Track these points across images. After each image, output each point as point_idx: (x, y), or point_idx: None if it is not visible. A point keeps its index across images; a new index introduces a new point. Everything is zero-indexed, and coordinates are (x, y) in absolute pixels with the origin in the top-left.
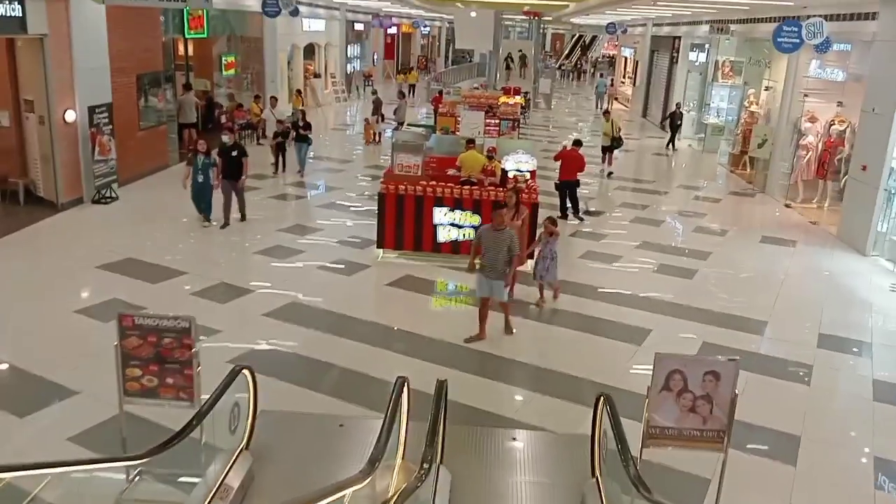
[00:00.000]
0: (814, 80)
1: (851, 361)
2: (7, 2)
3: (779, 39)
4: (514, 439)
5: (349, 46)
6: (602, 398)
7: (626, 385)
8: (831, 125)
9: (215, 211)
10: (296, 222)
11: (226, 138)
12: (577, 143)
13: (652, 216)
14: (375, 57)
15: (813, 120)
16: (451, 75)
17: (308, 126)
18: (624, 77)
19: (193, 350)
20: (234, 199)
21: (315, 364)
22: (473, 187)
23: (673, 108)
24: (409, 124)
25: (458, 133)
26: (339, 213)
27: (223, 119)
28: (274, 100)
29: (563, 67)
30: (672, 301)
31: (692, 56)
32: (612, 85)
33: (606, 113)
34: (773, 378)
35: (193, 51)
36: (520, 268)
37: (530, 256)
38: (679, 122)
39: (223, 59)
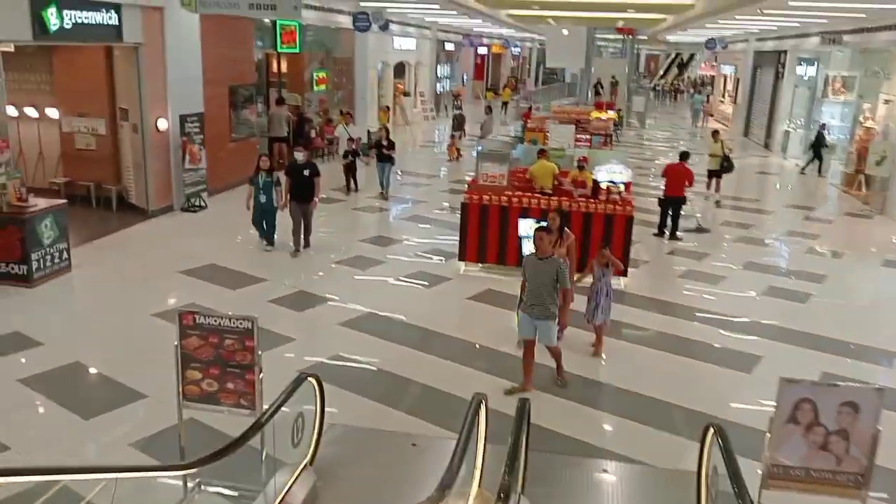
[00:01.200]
0: None
1: None
2: (104, 10)
3: None
4: (605, 471)
5: (439, 66)
6: (713, 429)
7: (735, 417)
8: None
9: (281, 235)
10: (378, 234)
11: (300, 156)
12: (684, 155)
13: (757, 236)
14: (465, 77)
15: None
16: (541, 95)
17: (392, 145)
18: (723, 96)
19: (256, 353)
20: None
21: (391, 378)
22: (563, 198)
23: (816, 128)
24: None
25: (546, 144)
26: (420, 226)
27: (313, 134)
28: (348, 116)
29: (657, 88)
30: (784, 326)
31: (800, 70)
32: (708, 101)
33: (715, 133)
34: None
35: (287, 66)
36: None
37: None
38: (825, 144)
39: (315, 74)
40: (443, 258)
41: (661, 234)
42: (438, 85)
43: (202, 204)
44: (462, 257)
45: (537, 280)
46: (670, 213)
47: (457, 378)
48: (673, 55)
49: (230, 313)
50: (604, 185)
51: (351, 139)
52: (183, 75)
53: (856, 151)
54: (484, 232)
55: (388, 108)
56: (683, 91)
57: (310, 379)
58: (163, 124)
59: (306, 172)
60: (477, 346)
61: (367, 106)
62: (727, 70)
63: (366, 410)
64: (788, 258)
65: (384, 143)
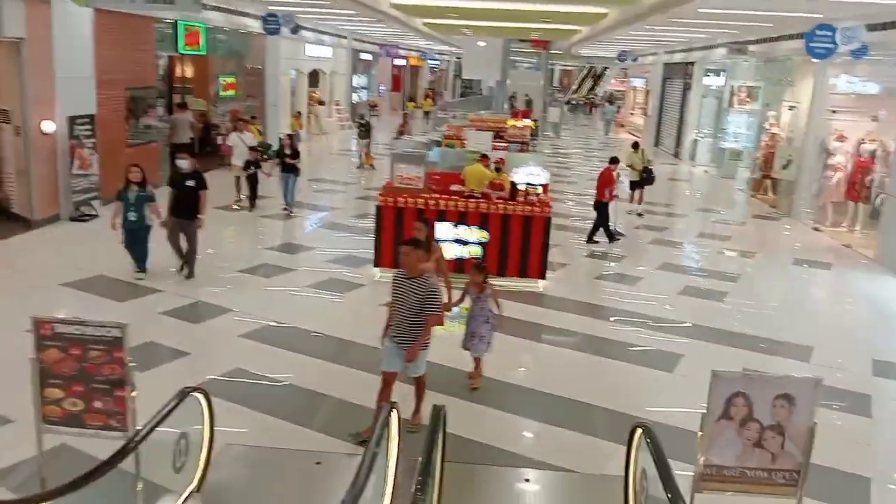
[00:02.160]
0: (842, 98)
1: None
2: None
3: (812, 44)
4: (527, 480)
5: (355, 76)
6: (640, 430)
7: (660, 418)
8: (861, 144)
9: (158, 256)
10: (286, 241)
11: (184, 163)
12: (613, 160)
13: (671, 238)
14: (382, 88)
15: (842, 139)
16: (459, 107)
17: (296, 154)
18: (633, 108)
19: (126, 366)
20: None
21: (302, 393)
22: (480, 200)
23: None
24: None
25: (465, 146)
26: (334, 234)
27: (219, 141)
28: (243, 122)
29: (572, 102)
30: (702, 325)
31: (707, 81)
32: (619, 112)
33: (636, 145)
34: (829, 410)
35: (193, 71)
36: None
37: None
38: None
39: (222, 79)
40: (355, 265)
41: (589, 240)
42: (355, 95)
43: (93, 213)
44: (377, 263)
45: (405, 303)
46: (597, 216)
47: (375, 390)
48: (587, 69)
49: (95, 320)
50: (522, 188)
51: (253, 148)
52: (73, 74)
53: (762, 157)
54: (399, 236)
55: (298, 113)
56: (598, 105)
57: (195, 394)
58: (49, 126)
59: (191, 183)
60: None
61: (279, 113)
62: (638, 82)
63: (275, 430)
64: (703, 259)
65: (287, 151)
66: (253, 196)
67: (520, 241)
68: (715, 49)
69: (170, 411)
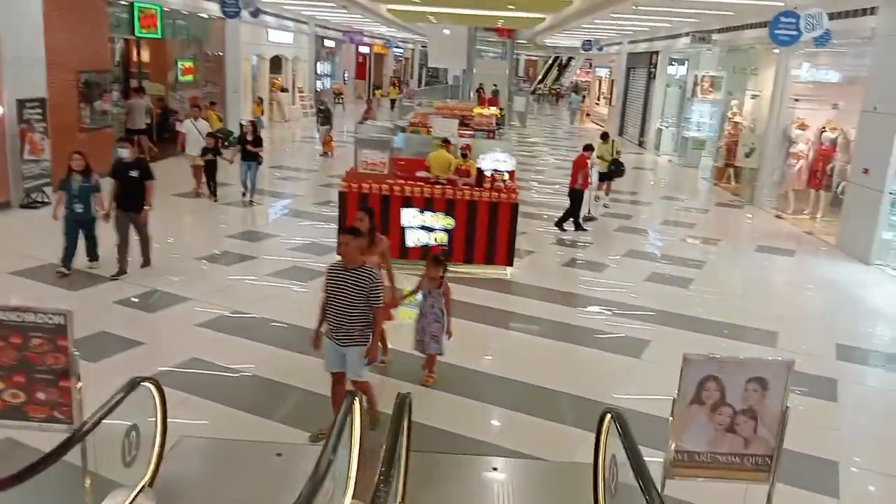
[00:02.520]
0: (804, 86)
1: (877, 374)
2: None
3: (776, 31)
4: (495, 469)
5: (319, 63)
6: (609, 416)
7: (628, 403)
8: (823, 132)
9: (105, 250)
10: (248, 229)
11: (124, 152)
12: (587, 147)
13: (636, 225)
14: (346, 75)
15: (804, 127)
16: (424, 95)
17: (258, 141)
18: (598, 98)
19: (72, 355)
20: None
21: (264, 384)
22: (446, 186)
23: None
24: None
25: (431, 134)
26: (298, 222)
27: (178, 127)
28: (197, 108)
29: (537, 91)
30: (669, 311)
31: (671, 70)
32: (583, 101)
33: (605, 135)
34: (795, 395)
35: (149, 55)
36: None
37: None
38: None
39: (180, 63)
40: (318, 253)
41: (576, 226)
42: (318, 82)
43: (45, 199)
44: (339, 251)
45: (345, 297)
46: (570, 204)
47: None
48: (552, 59)
49: (37, 306)
50: (488, 174)
51: (210, 135)
52: (20, 55)
53: (725, 146)
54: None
55: (260, 99)
56: (564, 95)
57: (146, 384)
58: None
59: (134, 174)
60: None
61: (239, 99)
62: (602, 72)
63: (235, 421)
64: (668, 246)
65: (248, 138)
66: (212, 184)
67: (486, 227)
68: (679, 38)
69: (118, 402)
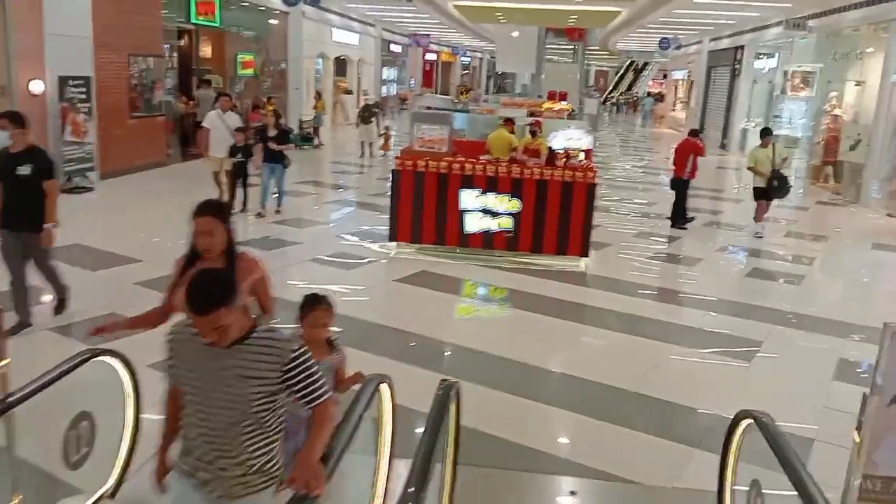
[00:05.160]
0: None
1: None
2: None
3: None
4: (573, 493)
5: (385, 68)
6: (750, 421)
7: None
8: None
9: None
10: (297, 216)
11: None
12: (694, 132)
13: (730, 221)
14: (413, 82)
15: None
16: (493, 102)
17: (283, 136)
18: (675, 105)
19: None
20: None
21: None
22: (513, 164)
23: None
24: None
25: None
26: (345, 209)
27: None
28: (225, 99)
29: (609, 101)
30: (780, 309)
31: (758, 64)
32: (657, 103)
33: (766, 132)
34: None
35: (210, 45)
36: None
37: None
38: None
39: (240, 56)
40: (370, 240)
41: (673, 222)
42: (384, 87)
43: (87, 185)
44: (393, 237)
45: (213, 402)
46: (675, 197)
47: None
48: (627, 63)
49: None
50: (560, 151)
51: (240, 129)
52: (65, 31)
53: (823, 142)
54: (419, 205)
55: (319, 94)
56: (639, 102)
57: (107, 359)
58: (37, 87)
59: (24, 171)
60: (401, 330)
61: (301, 97)
62: (679, 75)
63: None
64: (767, 241)
65: (270, 133)
66: (243, 194)
67: (558, 212)
68: (768, 29)
69: (59, 375)
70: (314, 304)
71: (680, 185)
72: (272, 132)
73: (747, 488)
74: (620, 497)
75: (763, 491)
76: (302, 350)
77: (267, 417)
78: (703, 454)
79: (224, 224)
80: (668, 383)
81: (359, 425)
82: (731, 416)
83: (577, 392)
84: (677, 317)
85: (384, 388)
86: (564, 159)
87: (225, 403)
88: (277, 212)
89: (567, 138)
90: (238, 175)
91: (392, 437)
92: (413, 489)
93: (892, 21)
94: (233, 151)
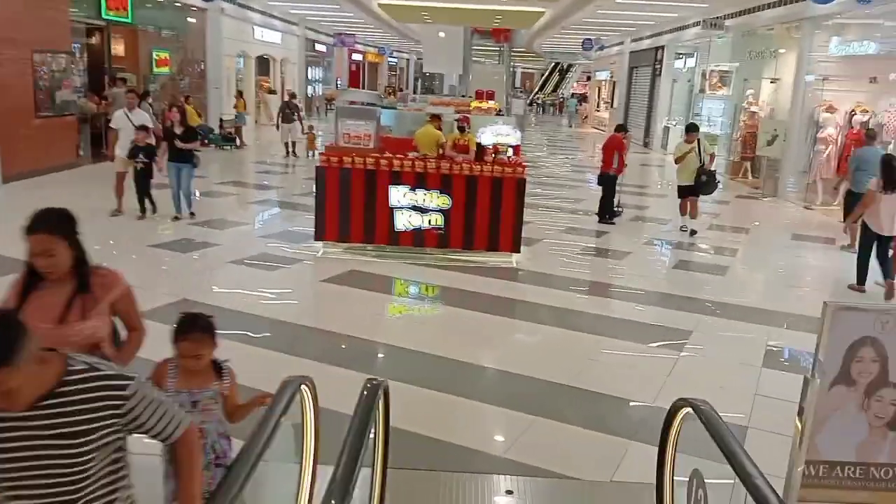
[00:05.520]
0: (834, 64)
1: None
2: None
3: None
4: (509, 492)
5: (310, 68)
6: (687, 409)
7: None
8: (852, 115)
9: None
10: (214, 217)
11: None
12: (620, 127)
13: (655, 216)
14: (339, 82)
15: (831, 110)
16: (420, 103)
17: (190, 134)
18: (598, 105)
19: None
20: None
21: None
22: (442, 160)
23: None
24: None
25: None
26: (268, 210)
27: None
28: (131, 95)
29: (536, 102)
30: (707, 299)
31: (678, 64)
32: (580, 104)
33: (691, 128)
34: None
35: (122, 43)
36: None
37: None
38: None
39: (155, 54)
40: (293, 240)
41: (600, 217)
42: (309, 87)
43: None
44: (320, 236)
45: (30, 483)
46: (602, 192)
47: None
48: (552, 65)
49: None
50: (489, 146)
51: (143, 128)
52: None
53: (741, 139)
54: (346, 203)
55: (240, 93)
56: (564, 103)
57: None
58: None
59: None
60: (327, 331)
61: (221, 96)
62: (602, 76)
63: None
64: (694, 234)
65: (177, 130)
66: (147, 195)
67: (489, 207)
68: (686, 29)
69: None
70: (184, 333)
71: (607, 181)
72: (178, 129)
73: (687, 480)
74: (558, 493)
75: (704, 482)
76: (136, 383)
77: (107, 475)
78: (639, 446)
79: (67, 239)
80: (601, 376)
81: (275, 432)
82: (666, 407)
83: (511, 388)
84: (609, 310)
85: (305, 389)
86: (493, 154)
87: (46, 479)
88: (192, 214)
89: (495, 134)
90: (142, 176)
91: (316, 443)
92: (334, 501)
93: (804, 20)
94: (133, 152)
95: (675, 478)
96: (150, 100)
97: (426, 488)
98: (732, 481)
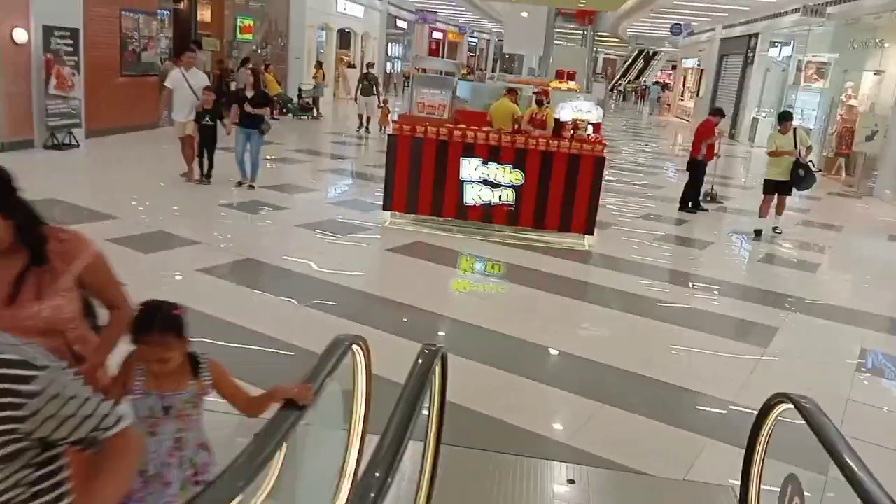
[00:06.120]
0: None
1: None
2: None
3: None
4: (571, 482)
5: (391, 44)
6: (788, 404)
7: (753, 402)
8: None
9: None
10: (285, 181)
11: None
12: (715, 111)
13: (741, 207)
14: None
15: None
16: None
17: (264, 99)
18: (683, 94)
19: None
20: None
21: (253, 338)
22: (516, 134)
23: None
24: None
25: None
26: (339, 178)
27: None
28: (189, 55)
29: (618, 89)
30: (795, 295)
31: (773, 52)
32: (663, 91)
33: (785, 116)
34: None
35: (209, 8)
36: None
37: None
38: None
39: (239, 20)
40: (362, 209)
41: (682, 206)
42: (388, 64)
43: (73, 142)
44: (388, 206)
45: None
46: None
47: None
48: (636, 51)
49: None
50: (569, 123)
51: (210, 89)
52: None
53: (837, 133)
54: (416, 174)
55: (319, 63)
56: (648, 91)
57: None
58: (20, 36)
59: None
60: (392, 300)
61: (302, 66)
62: (689, 63)
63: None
64: (783, 228)
65: (248, 93)
66: (209, 162)
67: (563, 186)
68: (783, 16)
69: None
70: (141, 334)
71: (693, 168)
72: (249, 93)
73: (780, 486)
74: (624, 488)
75: (802, 489)
76: (49, 374)
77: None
78: (717, 445)
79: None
80: (677, 368)
81: (319, 392)
82: (748, 407)
83: (578, 373)
84: (688, 300)
85: (357, 350)
86: (572, 131)
87: None
88: (251, 186)
89: (576, 109)
90: (205, 141)
91: (366, 409)
92: (379, 474)
93: None
94: (199, 116)
95: (763, 483)
96: (251, 65)
97: (481, 469)
98: (827, 493)
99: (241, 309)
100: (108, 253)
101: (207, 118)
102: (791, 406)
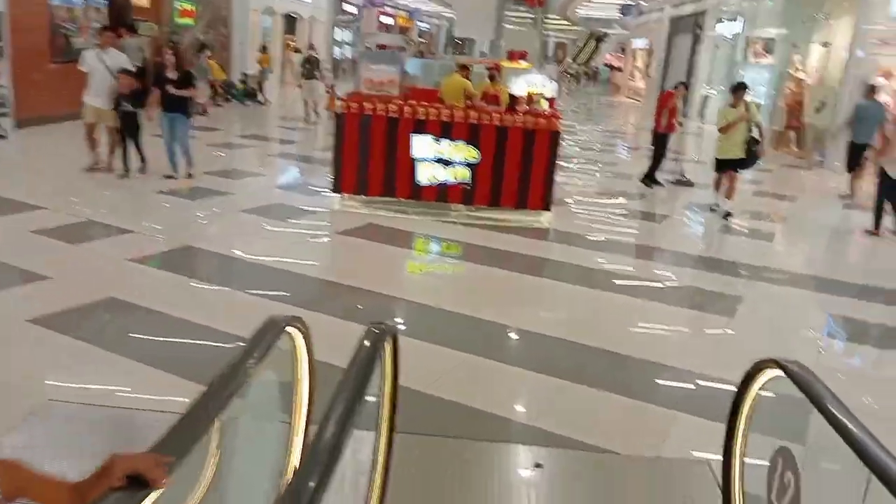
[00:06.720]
0: (893, 27)
1: None
2: None
3: None
4: (539, 465)
5: (338, 29)
6: (776, 372)
7: (725, 373)
8: None
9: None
10: (229, 167)
11: None
12: (679, 84)
13: (696, 181)
14: (368, 45)
15: (889, 76)
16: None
17: (186, 79)
18: (632, 74)
19: None
20: None
21: (192, 331)
22: (470, 110)
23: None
24: None
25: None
26: (286, 163)
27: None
28: (108, 34)
29: (568, 72)
30: (759, 265)
31: (721, 28)
32: (612, 72)
33: (739, 87)
34: None
35: None
36: None
37: None
38: None
39: (177, 4)
40: (309, 193)
41: (645, 181)
42: (337, 49)
43: (1, 134)
44: (337, 188)
45: None
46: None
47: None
48: (587, 34)
49: None
50: (524, 94)
51: (127, 72)
52: None
53: (786, 107)
54: (365, 154)
55: (264, 47)
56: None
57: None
58: None
59: None
60: (341, 283)
61: (246, 51)
62: (639, 44)
63: (155, 381)
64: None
65: (170, 75)
66: (139, 153)
67: (519, 161)
68: None
69: None
70: None
71: (656, 141)
72: (171, 74)
73: (769, 459)
74: (595, 469)
75: (795, 463)
76: None
77: None
78: (688, 418)
79: None
80: (643, 342)
81: (242, 378)
82: (717, 377)
83: (540, 351)
84: (649, 273)
85: (294, 332)
86: (528, 102)
87: None
88: (190, 175)
89: (530, 84)
90: (126, 129)
91: (310, 399)
92: (312, 483)
93: None
94: (117, 102)
95: (748, 456)
96: (209, 53)
97: (441, 457)
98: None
99: (178, 300)
100: (34, 245)
101: (128, 104)
102: (779, 372)
